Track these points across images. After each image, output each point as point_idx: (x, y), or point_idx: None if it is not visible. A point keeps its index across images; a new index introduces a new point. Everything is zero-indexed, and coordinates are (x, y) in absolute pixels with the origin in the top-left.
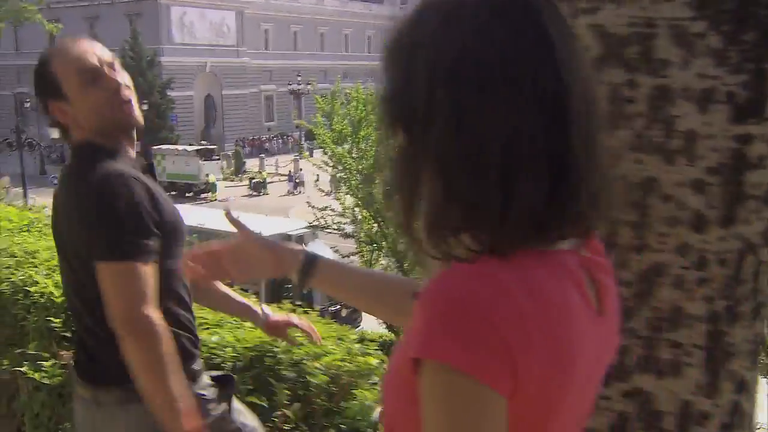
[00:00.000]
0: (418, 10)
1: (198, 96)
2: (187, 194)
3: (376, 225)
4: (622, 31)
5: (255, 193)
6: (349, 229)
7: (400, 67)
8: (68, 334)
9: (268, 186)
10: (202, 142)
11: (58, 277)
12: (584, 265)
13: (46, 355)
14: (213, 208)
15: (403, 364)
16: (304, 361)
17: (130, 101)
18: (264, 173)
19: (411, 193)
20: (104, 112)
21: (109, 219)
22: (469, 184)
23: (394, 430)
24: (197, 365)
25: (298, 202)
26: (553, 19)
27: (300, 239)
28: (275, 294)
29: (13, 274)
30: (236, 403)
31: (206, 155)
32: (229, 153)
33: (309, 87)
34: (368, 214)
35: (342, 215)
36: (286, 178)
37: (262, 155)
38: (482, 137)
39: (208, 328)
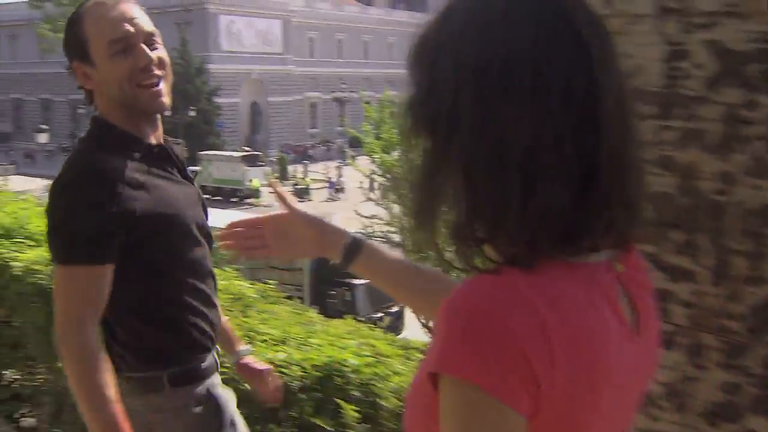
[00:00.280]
0: (443, 11)
1: (244, 103)
2: (231, 199)
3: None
4: (743, 47)
5: (299, 199)
6: (395, 237)
7: (425, 70)
8: None
9: (311, 192)
10: (245, 147)
11: None
12: (620, 281)
13: None
14: (258, 214)
15: (423, 379)
16: (374, 383)
17: (158, 82)
18: (308, 179)
19: (434, 201)
20: (126, 88)
21: (57, 220)
22: (491, 189)
23: None
24: (207, 363)
25: (340, 208)
26: (587, 19)
27: None
28: (318, 298)
29: None
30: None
31: (251, 161)
32: (274, 159)
33: (354, 95)
34: None
35: (389, 224)
36: (327, 184)
37: (306, 161)
38: (506, 140)
39: (274, 344)
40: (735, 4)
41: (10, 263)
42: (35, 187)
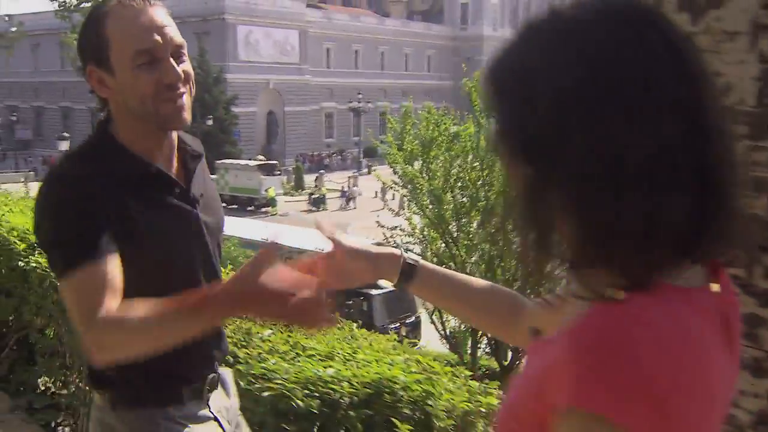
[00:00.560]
0: (522, 35)
1: (261, 112)
2: (248, 208)
3: (444, 245)
4: None
5: (314, 209)
6: (417, 249)
7: (516, 96)
8: None
9: (327, 201)
10: (258, 157)
11: None
12: (717, 303)
13: None
14: (274, 223)
15: (531, 395)
16: (427, 400)
17: (182, 97)
18: (324, 188)
19: (546, 229)
20: (148, 103)
21: (44, 238)
22: (610, 209)
23: None
24: (189, 390)
25: (354, 218)
26: (680, 35)
27: None
28: (335, 308)
29: None
30: None
31: (268, 170)
32: (290, 168)
33: (370, 105)
34: (437, 234)
35: (411, 235)
36: (340, 193)
37: (322, 171)
38: (622, 157)
39: (321, 360)
40: None
41: (49, 273)
42: None
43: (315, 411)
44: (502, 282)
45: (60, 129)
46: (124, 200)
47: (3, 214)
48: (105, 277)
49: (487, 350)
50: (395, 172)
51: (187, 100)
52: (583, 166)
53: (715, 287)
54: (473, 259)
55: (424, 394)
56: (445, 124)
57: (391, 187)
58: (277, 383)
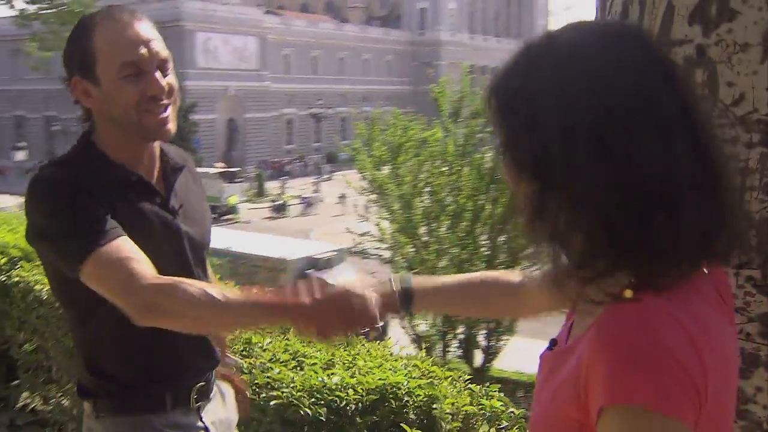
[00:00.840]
0: (523, 57)
1: (221, 119)
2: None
3: (414, 250)
4: None
5: (277, 215)
6: (385, 254)
7: (520, 115)
8: None
9: (289, 208)
10: (216, 164)
11: None
12: (711, 283)
13: None
14: (237, 231)
15: (569, 405)
16: (432, 405)
17: (165, 109)
18: (286, 195)
19: (556, 238)
20: (132, 114)
21: (50, 233)
22: (626, 216)
23: None
24: (171, 398)
25: (317, 223)
26: (662, 49)
27: (327, 262)
28: None
29: None
30: None
31: (229, 177)
32: (251, 175)
33: (330, 111)
34: (407, 238)
35: (381, 240)
36: (299, 199)
37: (284, 177)
38: (637, 168)
39: (324, 369)
40: None
41: (35, 286)
42: (9, 204)
43: (323, 419)
44: None
45: (14, 138)
46: (111, 202)
47: None
48: (132, 248)
49: (458, 353)
50: (364, 178)
51: (171, 111)
52: (591, 183)
53: (705, 268)
54: (443, 263)
55: (428, 398)
56: (413, 129)
57: (362, 193)
58: (283, 392)
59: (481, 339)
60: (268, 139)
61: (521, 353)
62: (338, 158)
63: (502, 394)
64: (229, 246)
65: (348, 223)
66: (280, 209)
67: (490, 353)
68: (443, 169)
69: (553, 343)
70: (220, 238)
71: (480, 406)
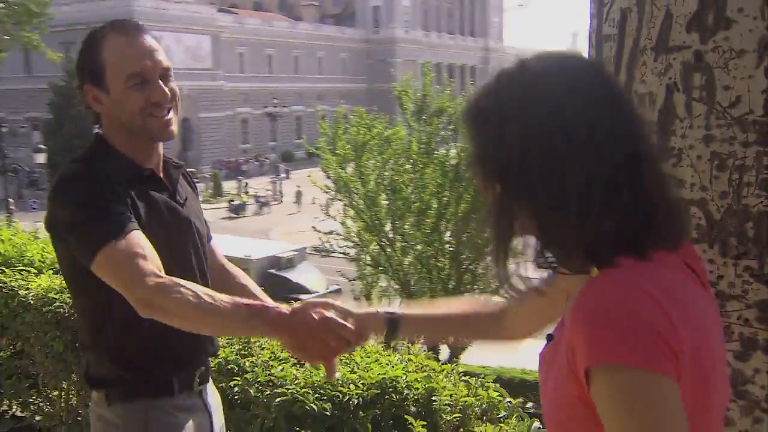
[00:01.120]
0: (497, 81)
1: None
2: None
3: (379, 247)
4: None
5: (234, 215)
6: (351, 252)
7: (489, 131)
8: None
9: (248, 208)
10: None
11: None
12: (679, 257)
13: None
14: None
15: (569, 385)
16: (431, 397)
17: (168, 113)
18: (244, 195)
19: (507, 232)
20: (137, 118)
21: (72, 220)
22: (561, 218)
23: None
24: (179, 380)
25: (274, 222)
26: (613, 79)
27: (289, 261)
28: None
29: None
30: None
31: None
32: (207, 175)
33: (285, 110)
34: (372, 236)
35: (347, 239)
36: (254, 199)
37: (240, 177)
38: (571, 179)
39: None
40: None
41: (19, 291)
42: None
43: (328, 413)
44: (438, 280)
45: None
46: (129, 194)
47: None
48: (143, 243)
49: (424, 348)
50: (329, 177)
51: (173, 115)
52: (540, 187)
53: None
54: (408, 260)
55: (426, 391)
56: (377, 127)
57: (326, 192)
58: (288, 389)
59: None
60: (224, 139)
61: (485, 348)
62: (294, 157)
63: (497, 385)
64: None
65: (306, 221)
66: (238, 209)
67: (457, 348)
68: (407, 167)
69: (550, 338)
70: None
71: (477, 397)
